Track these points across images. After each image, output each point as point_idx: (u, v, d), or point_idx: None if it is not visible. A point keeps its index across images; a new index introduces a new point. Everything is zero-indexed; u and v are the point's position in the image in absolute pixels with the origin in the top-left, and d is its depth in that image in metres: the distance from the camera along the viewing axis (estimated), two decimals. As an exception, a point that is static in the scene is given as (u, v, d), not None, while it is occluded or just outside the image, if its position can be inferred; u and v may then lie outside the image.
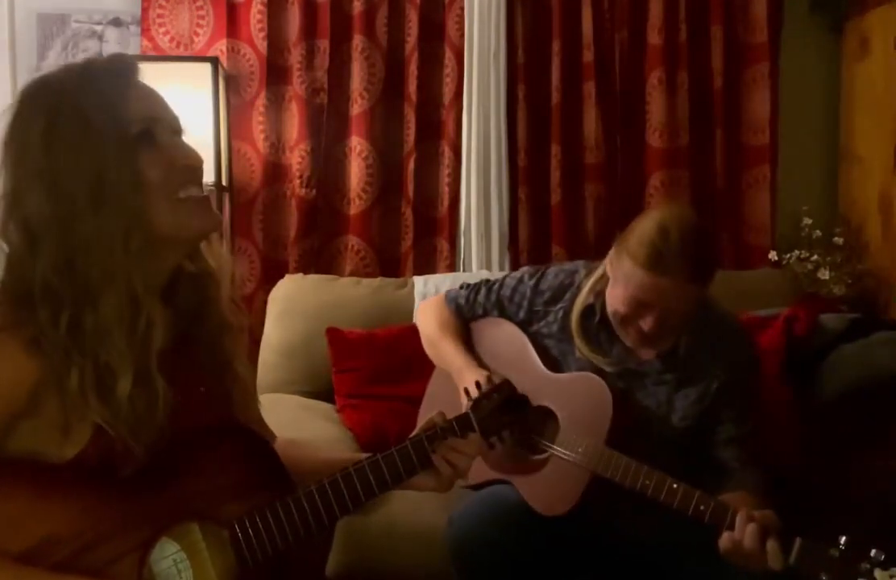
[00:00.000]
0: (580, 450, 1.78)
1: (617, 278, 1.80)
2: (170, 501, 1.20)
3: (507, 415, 1.57)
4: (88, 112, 1.14)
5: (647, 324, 1.77)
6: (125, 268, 1.15)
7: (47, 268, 1.13)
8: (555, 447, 1.84)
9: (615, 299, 1.81)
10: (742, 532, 1.53)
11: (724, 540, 1.56)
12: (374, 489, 1.35)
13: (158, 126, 1.20)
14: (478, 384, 1.71)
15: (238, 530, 1.24)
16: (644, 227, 1.76)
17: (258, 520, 1.26)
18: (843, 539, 1.45)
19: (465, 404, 1.64)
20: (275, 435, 1.49)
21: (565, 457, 1.81)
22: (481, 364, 1.99)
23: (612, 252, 1.85)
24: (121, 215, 1.14)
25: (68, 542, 1.13)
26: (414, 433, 1.43)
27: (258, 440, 1.31)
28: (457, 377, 1.97)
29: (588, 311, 1.90)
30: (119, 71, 1.20)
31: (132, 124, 1.17)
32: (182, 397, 1.21)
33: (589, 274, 1.94)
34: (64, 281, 1.13)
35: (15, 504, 1.13)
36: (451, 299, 2.15)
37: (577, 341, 1.89)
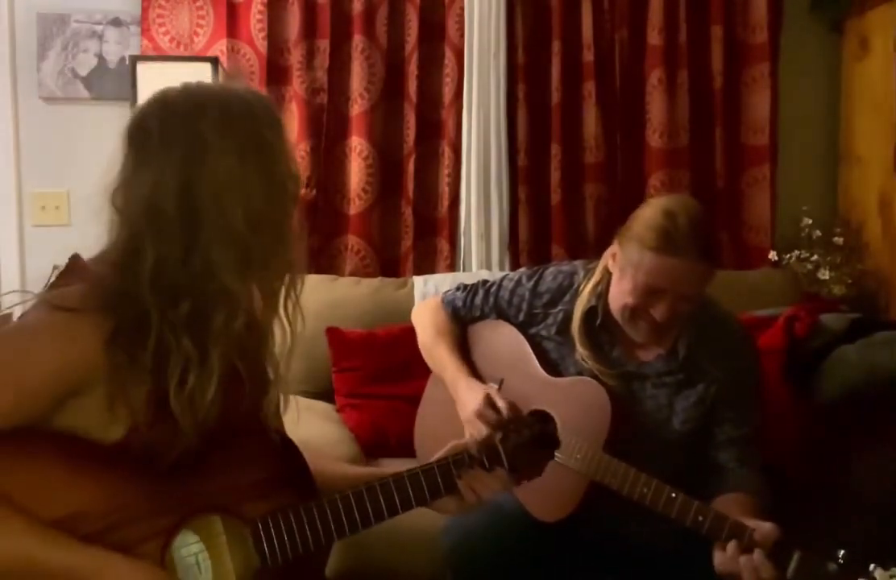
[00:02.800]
0: (578, 456, 1.77)
1: (624, 270, 1.78)
2: (196, 492, 1.24)
3: (537, 454, 1.55)
4: (278, 147, 1.26)
5: (659, 312, 1.75)
6: (249, 285, 1.25)
7: (195, 258, 1.19)
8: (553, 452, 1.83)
9: (622, 293, 1.79)
10: (735, 563, 1.52)
11: (720, 561, 1.55)
12: (398, 507, 1.38)
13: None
14: (499, 418, 1.73)
15: (261, 528, 1.27)
16: (649, 213, 1.76)
17: (280, 520, 1.28)
18: (842, 552, 1.43)
19: (483, 429, 1.64)
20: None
21: (563, 463, 1.81)
22: (476, 372, 1.98)
23: (614, 246, 1.83)
24: (272, 241, 1.25)
25: (96, 519, 1.18)
26: (441, 454, 1.46)
27: (286, 442, 1.34)
28: (451, 387, 1.96)
29: (590, 314, 1.88)
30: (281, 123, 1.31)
31: (297, 180, 1.30)
32: (222, 395, 1.24)
33: (588, 275, 1.93)
34: (202, 281, 1.20)
35: (50, 474, 1.18)
36: (447, 302, 2.14)
37: (578, 344, 1.88)
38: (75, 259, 1.27)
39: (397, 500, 1.37)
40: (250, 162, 1.22)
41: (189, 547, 1.24)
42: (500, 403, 1.83)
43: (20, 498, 1.15)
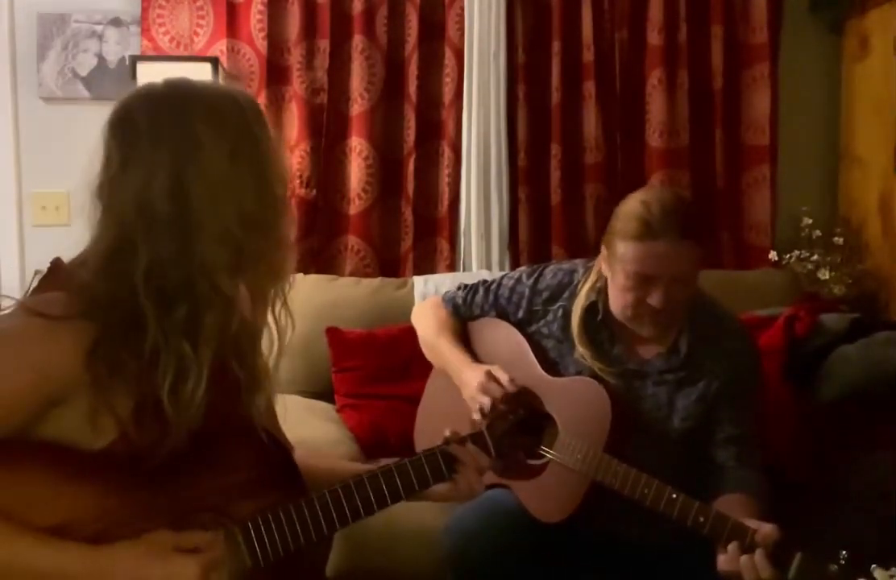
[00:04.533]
0: (579, 456, 1.77)
1: (614, 269, 1.80)
2: (185, 495, 1.23)
3: (523, 437, 1.57)
4: (268, 147, 1.25)
5: (655, 299, 1.76)
6: (239, 286, 1.24)
7: (190, 260, 1.17)
8: (553, 453, 1.83)
9: (618, 292, 1.80)
10: (736, 563, 1.52)
11: (722, 562, 1.55)
12: (387, 498, 1.37)
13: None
14: (492, 407, 1.74)
15: (251, 528, 1.26)
16: (625, 208, 1.81)
17: (271, 520, 1.27)
18: (843, 553, 1.43)
19: (479, 421, 1.65)
20: (292, 445, 1.49)
21: (564, 464, 1.80)
22: (479, 362, 1.98)
23: (602, 251, 1.85)
24: (263, 241, 1.23)
25: (85, 527, 1.16)
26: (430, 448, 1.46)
27: (274, 441, 1.33)
28: (455, 376, 1.97)
29: (590, 309, 1.89)
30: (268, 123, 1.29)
31: (286, 182, 1.29)
32: (211, 396, 1.23)
33: (588, 273, 1.94)
34: (196, 283, 1.18)
35: (37, 485, 1.16)
36: (447, 300, 2.15)
37: (578, 341, 1.88)
38: (57, 263, 1.24)
39: (386, 492, 1.36)
40: (242, 161, 1.20)
41: None
42: (503, 377, 1.84)
43: (7, 510, 1.13)
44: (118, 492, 1.19)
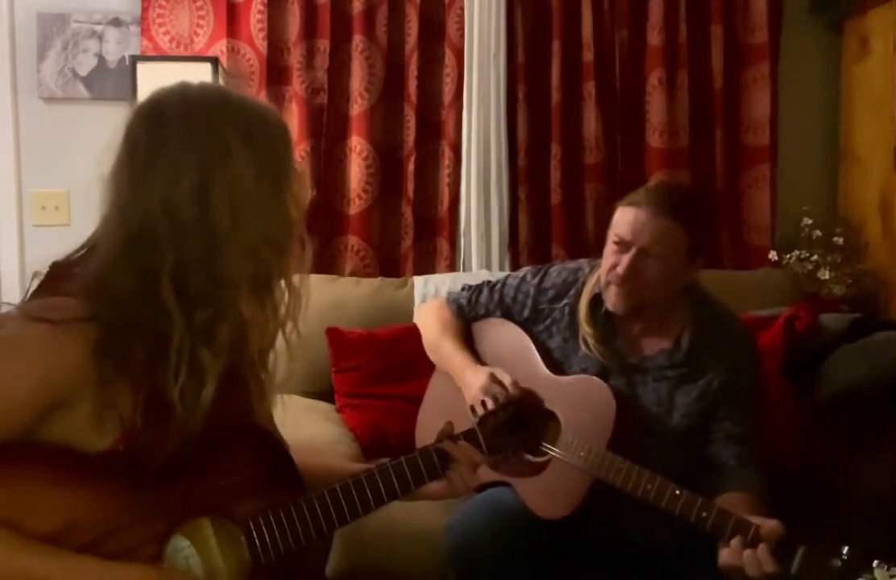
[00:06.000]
0: (582, 453, 1.78)
1: (607, 239, 1.87)
2: (186, 496, 1.23)
3: (514, 434, 1.58)
4: (290, 170, 1.26)
5: (622, 265, 1.80)
6: (256, 300, 1.24)
7: (214, 269, 1.17)
8: (556, 450, 1.83)
9: (604, 257, 1.87)
10: (739, 558, 1.52)
11: (725, 556, 1.55)
12: (384, 496, 1.38)
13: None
14: (483, 404, 1.74)
15: (253, 528, 1.27)
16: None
17: (271, 519, 1.28)
18: (846, 549, 1.43)
19: (473, 419, 1.65)
20: (287, 444, 1.50)
21: (566, 461, 1.81)
22: (482, 364, 1.98)
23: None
24: (279, 261, 1.25)
25: (87, 530, 1.16)
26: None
27: (272, 440, 1.33)
28: (458, 378, 1.97)
29: (595, 301, 1.90)
30: (293, 145, 1.32)
31: (303, 204, 1.30)
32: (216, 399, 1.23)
33: (594, 270, 1.95)
34: (220, 291, 1.18)
35: (38, 488, 1.15)
36: (451, 301, 2.15)
37: (584, 329, 1.89)
38: (56, 266, 1.22)
39: (383, 490, 1.38)
40: (266, 180, 1.21)
41: (180, 551, 1.23)
42: (506, 379, 1.84)
43: (8, 514, 1.12)
44: (119, 494, 1.18)
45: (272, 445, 1.33)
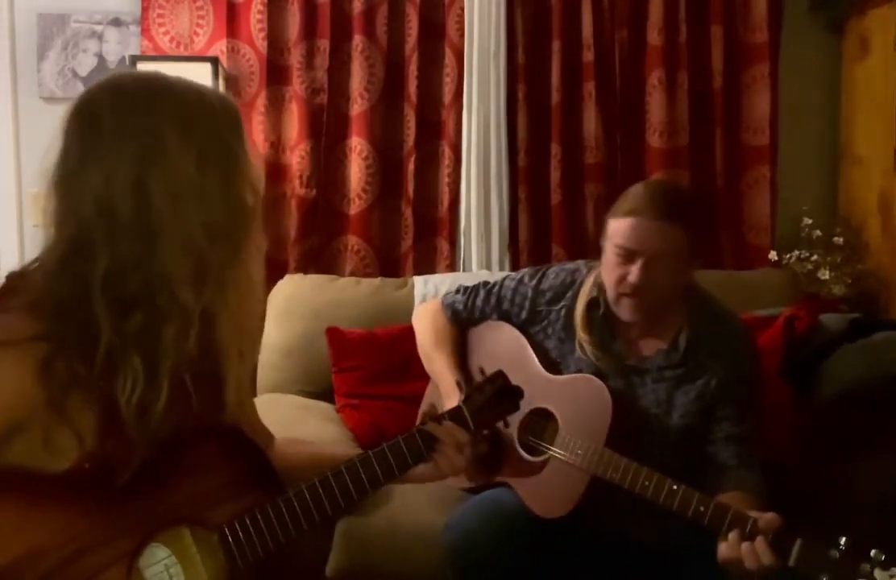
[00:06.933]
0: (579, 452, 1.78)
1: (606, 250, 1.85)
2: (156, 508, 1.19)
3: (500, 407, 1.57)
4: (240, 155, 1.20)
5: (633, 275, 1.78)
6: (203, 299, 1.16)
7: (150, 267, 1.12)
8: (554, 449, 1.83)
9: (607, 270, 1.84)
10: (737, 551, 1.52)
11: (723, 549, 1.55)
12: (366, 485, 1.35)
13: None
14: (468, 381, 1.74)
15: (228, 534, 1.23)
16: (627, 191, 1.87)
17: (248, 522, 1.25)
18: (843, 539, 1.44)
19: (458, 397, 1.64)
20: (272, 435, 1.48)
21: (564, 460, 1.81)
22: (479, 367, 1.98)
23: (602, 241, 1.89)
24: (229, 253, 1.18)
25: (54, 553, 1.12)
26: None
27: (243, 439, 1.29)
28: (445, 399, 1.96)
29: (593, 303, 1.90)
30: (243, 128, 1.24)
31: (258, 191, 1.23)
32: (176, 406, 1.19)
33: (591, 271, 1.95)
34: (155, 292, 1.13)
35: (1, 516, 1.11)
36: (447, 305, 2.14)
37: (581, 335, 1.89)
38: (9, 279, 1.17)
39: (365, 479, 1.34)
40: (210, 168, 1.15)
41: (158, 563, 1.19)
42: None
43: None
44: (87, 513, 1.14)
45: (245, 444, 1.28)
